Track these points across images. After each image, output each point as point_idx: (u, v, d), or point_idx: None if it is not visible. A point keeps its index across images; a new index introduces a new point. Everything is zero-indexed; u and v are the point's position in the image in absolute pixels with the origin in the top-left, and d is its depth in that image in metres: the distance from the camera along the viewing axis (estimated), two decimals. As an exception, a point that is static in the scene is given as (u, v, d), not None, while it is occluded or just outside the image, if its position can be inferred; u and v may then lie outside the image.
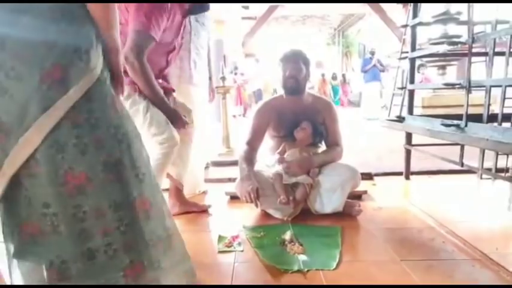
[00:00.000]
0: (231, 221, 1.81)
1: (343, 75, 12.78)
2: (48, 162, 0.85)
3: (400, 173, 2.60)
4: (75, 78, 0.86)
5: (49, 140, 0.84)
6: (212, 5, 2.36)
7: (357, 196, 2.08)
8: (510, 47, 1.74)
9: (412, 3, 2.41)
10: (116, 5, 0.94)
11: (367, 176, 2.51)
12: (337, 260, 1.35)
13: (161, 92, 1.62)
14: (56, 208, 0.86)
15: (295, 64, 1.92)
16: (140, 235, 0.93)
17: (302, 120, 1.93)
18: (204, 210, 1.96)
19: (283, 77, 1.93)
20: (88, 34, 0.90)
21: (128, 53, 1.45)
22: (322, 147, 2.04)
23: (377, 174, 2.62)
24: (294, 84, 1.92)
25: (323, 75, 11.93)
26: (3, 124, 0.83)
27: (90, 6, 0.88)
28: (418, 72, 6.69)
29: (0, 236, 0.94)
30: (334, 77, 12.40)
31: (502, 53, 1.94)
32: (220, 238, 1.58)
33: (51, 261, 0.88)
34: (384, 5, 7.42)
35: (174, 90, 1.81)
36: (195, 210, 1.94)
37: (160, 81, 1.69)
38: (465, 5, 1.96)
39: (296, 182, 1.84)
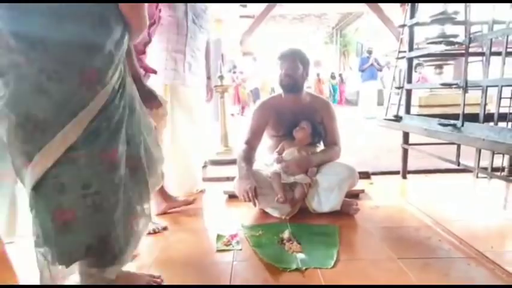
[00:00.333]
0: (229, 219, 1.82)
1: (340, 75, 12.84)
2: (87, 146, 0.94)
3: (397, 172, 2.61)
4: (109, 78, 0.97)
5: (87, 129, 0.94)
6: (210, 4, 2.36)
7: (354, 195, 2.09)
8: (506, 48, 1.75)
9: (409, 3, 2.42)
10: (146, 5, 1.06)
11: (365, 175, 2.53)
12: (334, 258, 1.36)
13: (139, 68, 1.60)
14: (97, 186, 0.96)
15: (292, 63, 1.92)
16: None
17: (301, 120, 1.94)
18: (189, 203, 1.99)
19: (279, 74, 1.94)
20: (120, 38, 1.00)
21: None
22: (321, 146, 2.05)
23: (374, 173, 2.64)
24: (291, 82, 1.92)
25: (318, 74, 11.99)
26: (39, 121, 0.91)
27: (123, 6, 0.98)
28: (415, 71, 6.71)
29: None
30: (333, 76, 12.45)
31: (498, 53, 1.96)
32: (219, 237, 1.59)
33: (89, 244, 0.98)
34: (381, 4, 7.42)
35: (155, 72, 1.79)
36: (180, 205, 1.97)
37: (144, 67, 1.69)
38: (462, 4, 1.97)
39: (294, 182, 1.84)
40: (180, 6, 2.04)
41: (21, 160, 0.94)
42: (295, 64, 1.92)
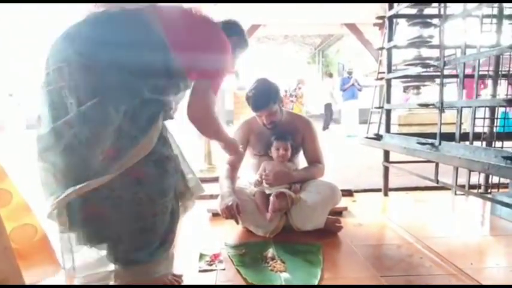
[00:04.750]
0: (213, 238, 1.79)
1: (285, 91, 13.16)
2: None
3: (379, 190, 2.66)
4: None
5: None
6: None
7: (337, 213, 2.11)
8: (478, 71, 1.85)
9: (387, 27, 2.52)
10: None
11: (347, 193, 2.56)
12: (318, 277, 1.35)
13: None
14: (119, 192, 1.12)
15: (268, 111, 1.89)
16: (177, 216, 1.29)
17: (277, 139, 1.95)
18: None
19: (261, 120, 1.96)
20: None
21: None
22: (303, 163, 2.07)
23: (357, 191, 2.67)
24: (273, 124, 1.94)
25: (286, 91, 12.23)
26: (117, 149, 1.10)
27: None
28: (405, 92, 6.92)
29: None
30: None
31: (471, 76, 2.05)
32: (202, 256, 1.56)
33: (107, 236, 1.18)
34: (360, 27, 7.75)
35: None
36: None
37: None
38: (437, 29, 2.07)
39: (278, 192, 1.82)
40: None
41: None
42: (271, 110, 1.89)
